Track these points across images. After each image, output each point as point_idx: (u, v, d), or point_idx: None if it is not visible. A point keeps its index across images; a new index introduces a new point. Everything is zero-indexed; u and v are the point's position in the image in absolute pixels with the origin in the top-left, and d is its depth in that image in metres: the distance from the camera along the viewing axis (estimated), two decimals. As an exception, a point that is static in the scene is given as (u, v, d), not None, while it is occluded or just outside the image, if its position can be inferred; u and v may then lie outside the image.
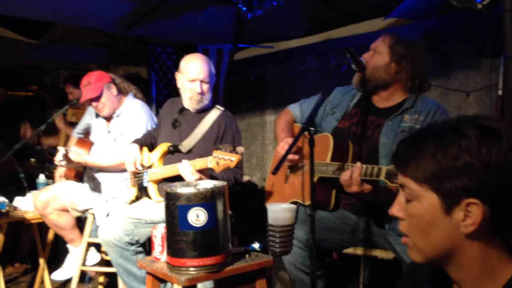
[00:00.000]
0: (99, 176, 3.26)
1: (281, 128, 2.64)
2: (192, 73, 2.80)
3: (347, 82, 2.46)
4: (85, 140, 3.39)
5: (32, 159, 4.13)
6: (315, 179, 2.26)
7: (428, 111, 2.26)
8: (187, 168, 2.51)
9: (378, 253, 2.37)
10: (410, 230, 1.02)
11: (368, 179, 2.03)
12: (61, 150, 3.13)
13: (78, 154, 3.17)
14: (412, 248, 1.03)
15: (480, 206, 0.93)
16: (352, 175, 2.03)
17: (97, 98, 3.23)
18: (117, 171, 3.18)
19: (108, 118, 3.36)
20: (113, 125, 3.30)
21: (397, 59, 2.29)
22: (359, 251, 2.43)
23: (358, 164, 2.04)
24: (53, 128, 4.55)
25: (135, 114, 3.23)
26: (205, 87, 2.83)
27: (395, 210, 1.06)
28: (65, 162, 3.13)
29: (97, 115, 3.42)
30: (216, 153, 2.35)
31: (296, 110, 2.71)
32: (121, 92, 3.36)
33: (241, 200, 2.95)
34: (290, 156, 2.34)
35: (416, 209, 1.00)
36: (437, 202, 0.97)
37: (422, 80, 2.32)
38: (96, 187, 3.27)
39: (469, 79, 3.22)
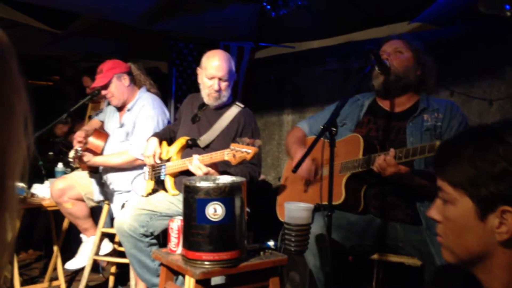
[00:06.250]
0: (109, 177, 3.26)
1: (292, 142, 2.70)
2: (211, 70, 2.80)
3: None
4: (102, 132, 3.40)
5: (51, 153, 4.18)
6: (345, 177, 2.33)
7: (445, 108, 2.35)
8: (194, 162, 2.53)
9: (405, 260, 2.34)
10: (445, 232, 1.02)
11: (401, 161, 2.12)
12: (73, 151, 3.15)
13: (89, 156, 3.15)
14: (446, 248, 1.03)
15: None
16: (386, 158, 2.11)
17: (105, 87, 3.22)
18: (128, 169, 3.18)
19: (121, 111, 3.35)
20: (125, 119, 3.29)
21: (420, 62, 2.41)
22: (387, 257, 2.39)
23: (391, 149, 2.14)
24: (72, 124, 4.60)
25: (145, 110, 3.20)
26: (224, 85, 2.82)
27: (433, 212, 1.05)
28: (77, 161, 3.17)
29: (111, 108, 3.44)
30: (233, 146, 2.35)
31: (305, 126, 2.78)
32: (135, 84, 3.33)
33: (255, 199, 2.95)
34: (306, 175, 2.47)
35: (451, 212, 0.99)
36: (471, 208, 0.95)
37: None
38: (108, 184, 3.29)
39: (492, 87, 3.18)
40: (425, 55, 2.42)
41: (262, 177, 4.48)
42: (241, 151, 2.30)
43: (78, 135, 3.29)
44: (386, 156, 2.13)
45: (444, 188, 1.00)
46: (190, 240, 1.92)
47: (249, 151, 2.27)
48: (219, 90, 2.81)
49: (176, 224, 2.12)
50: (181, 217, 2.06)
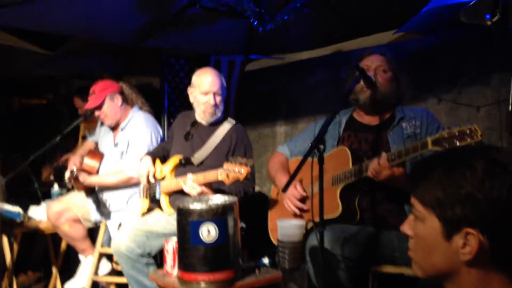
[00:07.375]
0: (105, 197, 3.29)
1: (275, 170, 2.72)
2: (206, 86, 2.85)
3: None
4: (96, 152, 3.43)
5: (51, 177, 4.21)
6: (339, 189, 2.34)
7: (421, 116, 2.43)
8: (188, 182, 2.56)
9: (403, 270, 2.28)
10: (415, 248, 1.07)
11: (394, 163, 2.13)
12: (68, 172, 3.19)
13: (84, 177, 3.21)
14: (415, 263, 1.08)
15: (477, 236, 0.95)
16: (380, 161, 2.13)
17: (98, 108, 3.28)
18: (124, 188, 3.21)
19: (114, 130, 3.39)
20: (119, 139, 3.33)
21: (398, 80, 2.50)
22: (385, 268, 2.34)
23: (383, 153, 2.15)
24: (65, 144, 4.60)
25: (138, 129, 3.25)
26: (218, 99, 2.89)
27: (406, 227, 1.10)
28: (72, 182, 3.20)
29: (104, 127, 3.47)
30: (226, 165, 2.38)
31: (286, 150, 2.82)
32: (128, 103, 3.38)
33: (250, 212, 2.97)
34: (299, 204, 2.45)
35: (420, 230, 1.04)
36: (438, 227, 1.00)
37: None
38: (105, 203, 3.31)
39: (479, 93, 3.21)
40: (400, 72, 2.51)
41: (257, 188, 4.51)
42: (234, 171, 2.34)
43: (73, 161, 3.32)
44: (379, 159, 2.15)
45: (415, 205, 1.05)
46: (185, 261, 1.95)
47: (242, 171, 2.31)
48: (215, 105, 2.86)
49: (171, 246, 2.15)
50: (176, 238, 2.09)
